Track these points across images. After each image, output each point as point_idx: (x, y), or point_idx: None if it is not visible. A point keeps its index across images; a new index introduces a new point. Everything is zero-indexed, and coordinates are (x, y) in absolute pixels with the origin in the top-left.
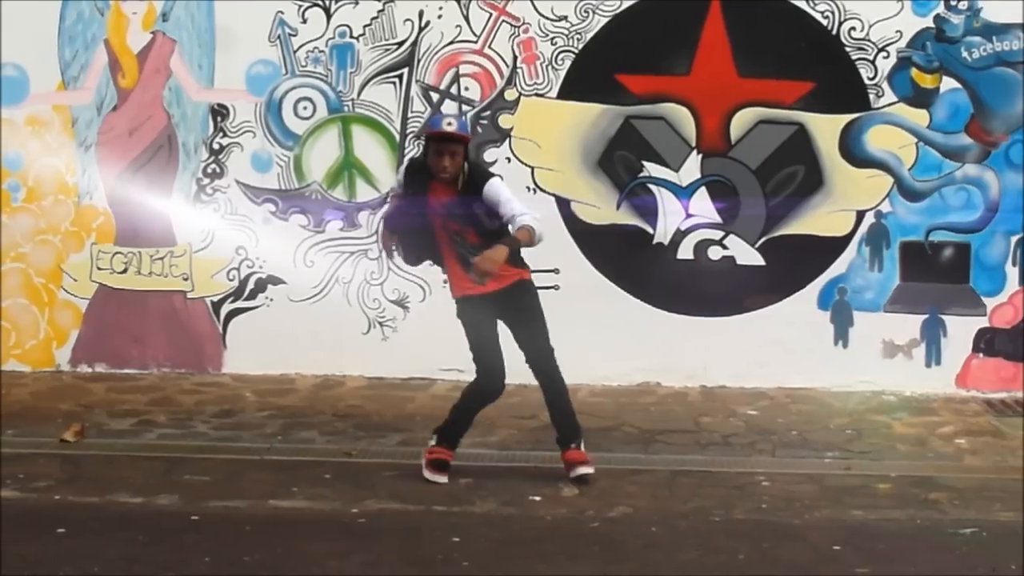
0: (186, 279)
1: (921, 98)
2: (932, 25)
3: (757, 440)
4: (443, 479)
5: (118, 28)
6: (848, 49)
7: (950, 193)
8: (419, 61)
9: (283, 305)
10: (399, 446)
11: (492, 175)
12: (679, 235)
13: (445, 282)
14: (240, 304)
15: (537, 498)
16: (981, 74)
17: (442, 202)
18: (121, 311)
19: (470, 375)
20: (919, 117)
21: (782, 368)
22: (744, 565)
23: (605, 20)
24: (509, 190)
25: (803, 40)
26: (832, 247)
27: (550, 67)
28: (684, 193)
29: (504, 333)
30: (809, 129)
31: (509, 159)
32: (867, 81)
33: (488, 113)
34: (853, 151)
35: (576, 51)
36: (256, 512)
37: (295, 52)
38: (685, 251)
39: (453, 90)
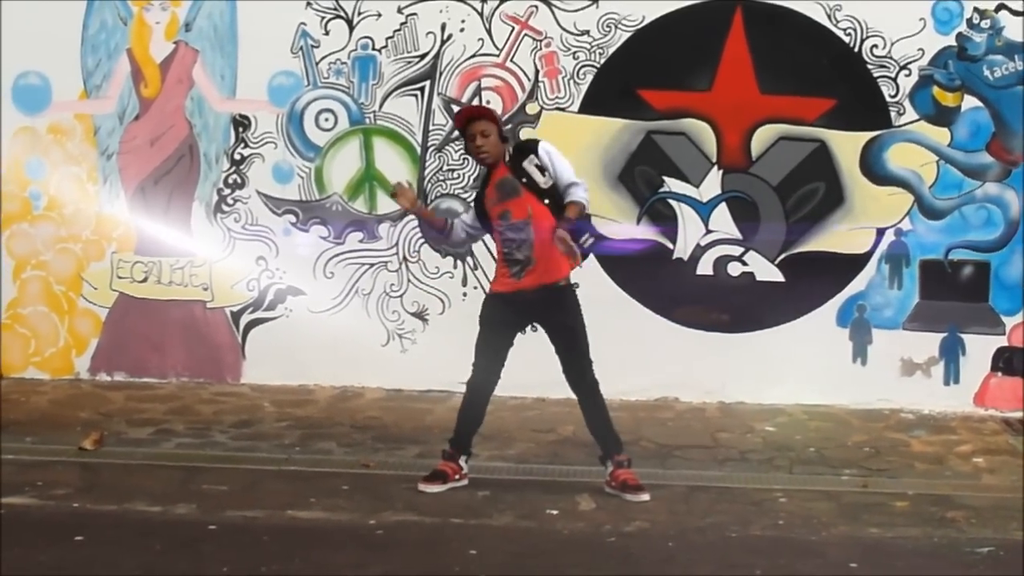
0: (206, 289)
1: (942, 116)
2: (954, 43)
3: (775, 456)
4: (431, 489)
5: (141, 37)
6: (870, 67)
7: (970, 212)
8: (441, 74)
9: (302, 316)
10: (417, 458)
11: (539, 140)
12: (699, 250)
13: (465, 295)
14: (259, 315)
15: (554, 512)
16: (1003, 93)
17: (492, 191)
18: (141, 320)
19: None
20: (940, 135)
21: (800, 385)
22: None
23: (627, 35)
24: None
25: (825, 57)
26: (852, 264)
27: (572, 81)
28: (704, 209)
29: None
30: (830, 146)
31: None
32: (889, 99)
33: (509, 127)
34: (874, 168)
35: (598, 65)
36: (274, 522)
37: (317, 63)
38: (705, 267)
39: (475, 103)
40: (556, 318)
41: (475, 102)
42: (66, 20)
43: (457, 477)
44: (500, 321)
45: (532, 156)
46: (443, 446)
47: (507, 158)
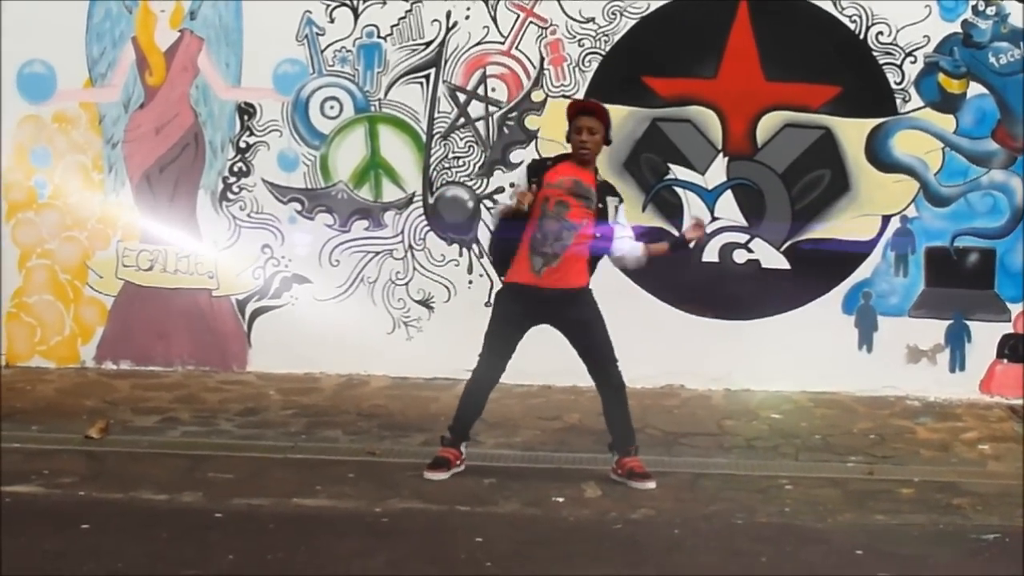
0: (211, 277)
1: (948, 103)
2: (960, 30)
3: (780, 444)
4: (437, 476)
5: (146, 26)
6: (875, 54)
7: (976, 199)
8: (446, 61)
9: (308, 304)
10: (422, 446)
11: (623, 200)
12: (704, 238)
13: (471, 283)
14: (265, 303)
15: (560, 499)
16: (1008, 80)
17: (565, 173)
18: (146, 308)
19: None
20: (946, 122)
21: (806, 372)
22: (766, 568)
23: (632, 22)
24: None
25: (830, 44)
26: (857, 251)
27: (577, 69)
28: (710, 196)
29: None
30: (835, 133)
31: None
32: (894, 86)
33: (515, 114)
34: (879, 156)
35: (603, 53)
36: (279, 510)
37: (322, 51)
38: (710, 254)
39: (480, 91)
40: (570, 315)
41: (480, 90)
42: (71, 8)
43: (458, 463)
44: (513, 315)
45: (616, 199)
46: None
47: (597, 175)
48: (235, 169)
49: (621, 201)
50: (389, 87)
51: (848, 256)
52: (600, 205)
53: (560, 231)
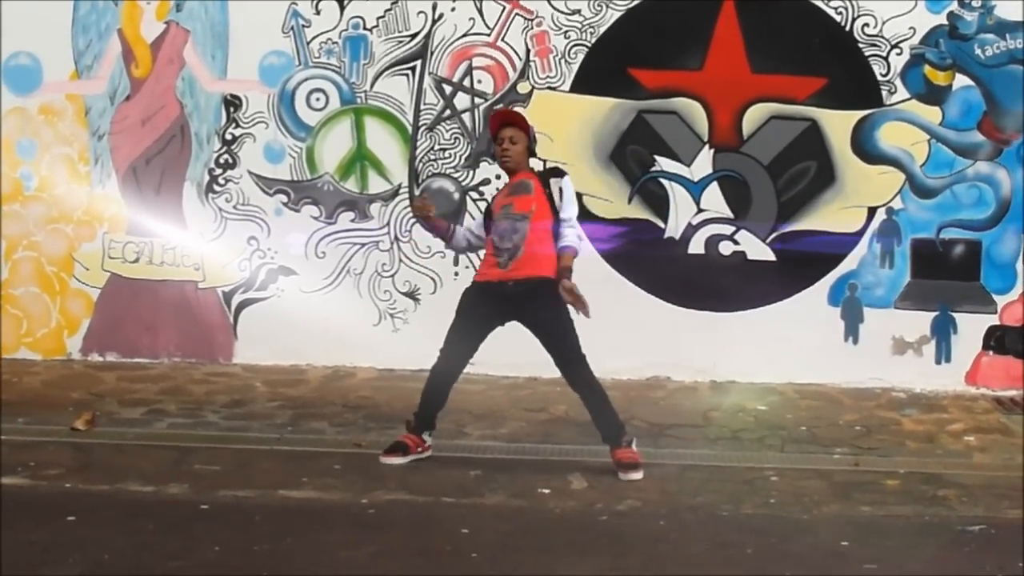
0: (197, 269)
1: (934, 95)
2: (946, 22)
3: (766, 435)
4: (393, 461)
5: (132, 18)
6: (861, 46)
7: (962, 190)
8: (432, 53)
9: (294, 296)
10: None
11: (567, 173)
12: (690, 230)
13: (456, 275)
14: (251, 294)
15: (546, 491)
16: (994, 72)
17: (508, 190)
18: (132, 300)
19: (480, 367)
20: (932, 114)
21: (792, 364)
22: (752, 560)
23: (618, 14)
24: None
25: (816, 36)
26: (843, 243)
27: (563, 60)
28: (696, 188)
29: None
30: (821, 125)
31: None
32: (880, 78)
33: (501, 106)
34: (865, 147)
35: (589, 45)
36: (266, 502)
37: (308, 43)
38: (696, 246)
39: (466, 83)
40: (535, 312)
41: (466, 82)
42: (57, 1)
43: (420, 450)
44: (478, 312)
45: (558, 180)
46: (435, 425)
47: (534, 169)
48: (221, 161)
49: (562, 177)
50: (375, 79)
51: (834, 248)
52: (547, 190)
53: (513, 225)
